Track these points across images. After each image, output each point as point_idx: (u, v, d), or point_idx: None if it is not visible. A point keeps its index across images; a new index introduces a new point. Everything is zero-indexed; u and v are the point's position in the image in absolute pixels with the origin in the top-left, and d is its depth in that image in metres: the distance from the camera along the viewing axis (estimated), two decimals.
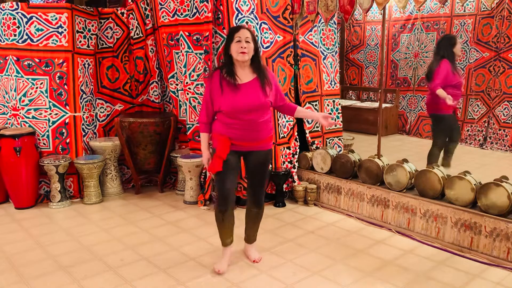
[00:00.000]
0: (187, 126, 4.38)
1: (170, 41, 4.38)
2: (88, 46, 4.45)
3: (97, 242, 3.41)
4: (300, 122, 4.50)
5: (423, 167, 3.50)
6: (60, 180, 4.20)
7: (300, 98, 4.44)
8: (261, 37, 4.11)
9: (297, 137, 4.45)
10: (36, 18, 4.16)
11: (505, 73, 5.65)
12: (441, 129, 4.31)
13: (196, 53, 4.13)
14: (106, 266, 3.02)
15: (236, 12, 3.94)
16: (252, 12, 4.03)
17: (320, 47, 4.63)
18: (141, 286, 2.75)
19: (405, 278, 2.81)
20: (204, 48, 4.06)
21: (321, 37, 4.63)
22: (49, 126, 4.30)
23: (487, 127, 5.88)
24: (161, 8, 4.33)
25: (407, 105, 6.78)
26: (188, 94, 4.26)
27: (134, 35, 4.67)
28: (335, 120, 2.84)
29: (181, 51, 4.20)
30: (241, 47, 2.60)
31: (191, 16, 4.09)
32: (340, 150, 4.66)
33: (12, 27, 4.15)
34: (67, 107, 4.33)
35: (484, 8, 5.73)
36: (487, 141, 5.86)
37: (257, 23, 4.08)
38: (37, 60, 4.22)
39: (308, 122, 4.51)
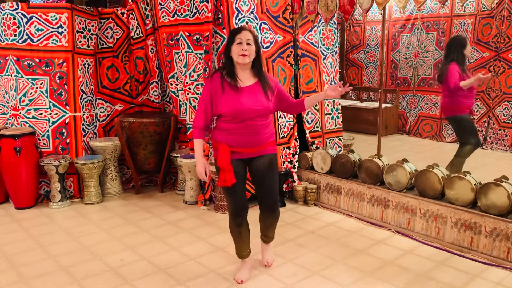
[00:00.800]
0: (187, 126, 4.38)
1: (170, 41, 4.38)
2: (88, 46, 4.45)
3: (97, 242, 3.41)
4: (300, 122, 4.51)
5: (423, 167, 3.50)
6: (60, 180, 4.20)
7: (300, 98, 4.44)
8: (261, 37, 4.11)
9: (297, 137, 4.45)
10: (36, 18, 4.16)
11: (505, 73, 5.65)
12: (466, 130, 4.21)
13: (196, 53, 4.13)
14: (106, 266, 3.02)
15: (236, 12, 3.94)
16: (252, 12, 4.03)
17: (320, 47, 4.63)
18: (141, 286, 2.75)
19: (405, 278, 2.81)
20: (204, 48, 4.06)
21: (321, 37, 4.63)
22: (49, 126, 4.30)
23: (487, 127, 5.88)
24: (161, 8, 4.33)
25: (407, 105, 6.78)
26: (188, 94, 4.26)
27: (134, 35, 4.68)
28: (344, 86, 2.69)
29: (181, 51, 4.20)
30: (242, 50, 2.52)
31: (191, 16, 4.09)
32: (340, 150, 4.66)
33: (12, 27, 4.15)
34: (67, 107, 4.33)
35: (484, 8, 5.73)
36: (487, 141, 5.86)
37: (257, 23, 4.08)
38: (37, 60, 4.22)
39: (308, 122, 4.51)
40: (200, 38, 4.07)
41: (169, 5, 4.25)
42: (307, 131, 4.50)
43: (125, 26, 4.70)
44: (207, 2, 3.92)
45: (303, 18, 4.29)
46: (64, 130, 4.34)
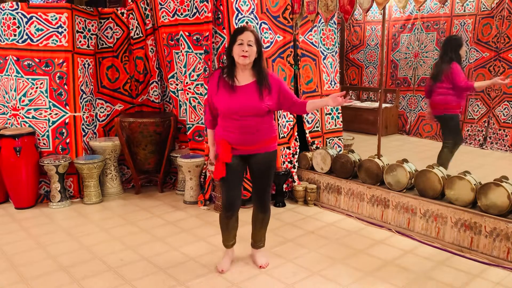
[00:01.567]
0: (187, 126, 4.38)
1: (170, 41, 4.38)
2: (88, 46, 4.45)
3: (97, 242, 3.41)
4: (300, 122, 4.51)
5: (423, 167, 3.50)
6: (60, 180, 4.20)
7: (300, 98, 4.43)
8: (261, 37, 4.11)
9: (297, 137, 4.45)
10: (36, 18, 4.16)
11: (505, 73, 5.65)
12: (451, 129, 4.30)
13: (196, 53, 4.13)
14: (106, 266, 3.02)
15: (236, 12, 3.94)
16: (252, 12, 4.03)
17: (320, 47, 4.63)
18: (141, 286, 2.75)
19: (405, 278, 2.81)
20: (204, 48, 4.06)
21: (321, 37, 4.63)
22: (49, 126, 4.30)
23: (487, 127, 5.88)
24: (161, 8, 4.33)
25: (407, 105, 6.78)
26: (188, 94, 4.26)
27: (134, 35, 4.67)
28: (345, 97, 2.67)
29: (181, 51, 4.20)
30: (243, 51, 2.55)
31: (191, 16, 4.09)
32: (340, 150, 4.65)
33: (12, 27, 4.15)
34: (67, 107, 4.33)
35: (484, 8, 5.73)
36: (487, 141, 5.86)
37: (257, 23, 4.08)
38: (37, 60, 4.22)
39: (308, 122, 4.51)
40: (200, 38, 4.07)
41: (169, 5, 4.25)
42: (307, 131, 4.50)
43: (125, 26, 4.70)
44: (207, 2, 3.92)
45: (303, 18, 4.29)
46: (64, 130, 4.34)
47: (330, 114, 4.73)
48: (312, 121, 4.55)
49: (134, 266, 3.01)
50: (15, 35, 4.16)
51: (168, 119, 4.51)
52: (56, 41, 4.23)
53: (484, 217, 3.05)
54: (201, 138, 4.37)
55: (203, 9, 3.98)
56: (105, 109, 4.77)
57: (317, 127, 4.61)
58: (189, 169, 4.23)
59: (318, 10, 3.98)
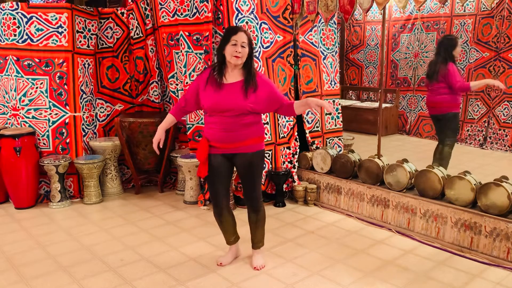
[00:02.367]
0: (187, 126, 4.38)
1: (170, 41, 4.38)
2: (88, 46, 4.45)
3: (97, 242, 3.41)
4: (300, 122, 4.51)
5: (423, 167, 3.50)
6: (60, 180, 4.20)
7: (300, 98, 4.44)
8: (261, 37, 4.11)
9: (297, 137, 4.45)
10: (36, 18, 4.16)
11: (505, 73, 5.65)
12: (453, 127, 4.32)
13: (196, 53, 4.13)
14: (106, 266, 3.02)
15: (236, 12, 3.94)
16: (252, 12, 4.03)
17: (320, 47, 4.63)
18: (141, 286, 2.75)
19: (405, 278, 2.81)
20: (204, 48, 4.06)
21: (321, 37, 4.63)
22: (49, 126, 4.30)
23: (487, 127, 5.88)
24: (161, 8, 4.33)
25: (407, 105, 6.78)
26: None
27: (134, 35, 4.67)
28: (333, 107, 2.67)
29: (181, 51, 4.20)
30: (236, 51, 2.56)
31: (191, 16, 4.09)
32: (340, 150, 4.66)
33: (12, 27, 4.15)
34: (67, 107, 4.33)
35: (484, 8, 5.73)
36: (487, 141, 5.86)
37: (257, 23, 4.08)
38: (37, 60, 4.22)
39: (308, 122, 4.51)
40: (200, 38, 4.07)
41: (169, 5, 4.25)
42: (307, 131, 4.50)
43: (125, 26, 4.70)
44: (207, 2, 3.92)
45: (303, 18, 4.29)
46: (64, 130, 4.34)
47: (330, 114, 4.73)
48: (312, 121, 4.54)
49: (134, 266, 3.01)
50: (15, 35, 4.16)
51: None
52: (56, 41, 4.23)
53: (484, 217, 3.05)
54: (201, 138, 4.37)
55: (203, 9, 3.98)
56: (105, 109, 4.77)
57: (317, 127, 4.61)
58: (189, 169, 4.23)
59: (318, 10, 3.98)
